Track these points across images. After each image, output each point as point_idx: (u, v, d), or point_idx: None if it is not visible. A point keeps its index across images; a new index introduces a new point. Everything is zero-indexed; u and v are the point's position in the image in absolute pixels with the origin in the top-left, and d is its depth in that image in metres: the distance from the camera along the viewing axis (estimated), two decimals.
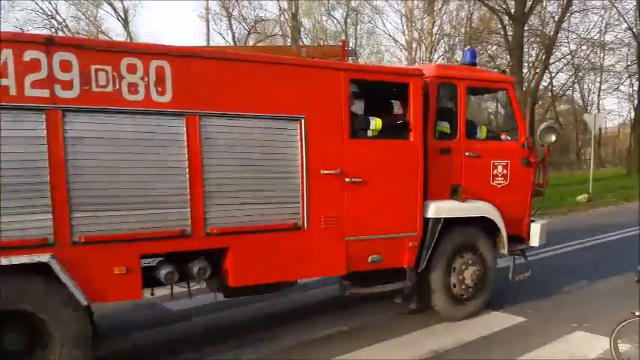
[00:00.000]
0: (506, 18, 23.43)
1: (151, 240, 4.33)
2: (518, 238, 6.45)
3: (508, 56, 25.61)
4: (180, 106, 4.37)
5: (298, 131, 4.87)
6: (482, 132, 6.22)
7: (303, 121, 4.87)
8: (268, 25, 32.55)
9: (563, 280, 7.57)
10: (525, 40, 25.39)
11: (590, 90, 35.86)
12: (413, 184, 5.48)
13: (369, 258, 5.33)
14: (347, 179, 5.10)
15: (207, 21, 28.55)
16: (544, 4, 26.65)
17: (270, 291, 5.35)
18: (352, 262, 5.22)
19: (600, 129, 30.17)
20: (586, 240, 10.24)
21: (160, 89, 4.29)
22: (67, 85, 3.99)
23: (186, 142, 4.40)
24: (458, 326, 5.83)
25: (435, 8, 28.22)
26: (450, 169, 5.82)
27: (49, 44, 3.95)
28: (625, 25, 28.04)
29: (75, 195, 4.04)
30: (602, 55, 30.17)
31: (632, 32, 27.73)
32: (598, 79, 32.80)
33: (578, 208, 15.95)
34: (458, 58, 32.02)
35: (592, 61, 30.20)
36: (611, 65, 31.19)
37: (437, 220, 5.64)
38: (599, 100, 35.03)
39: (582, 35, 28.46)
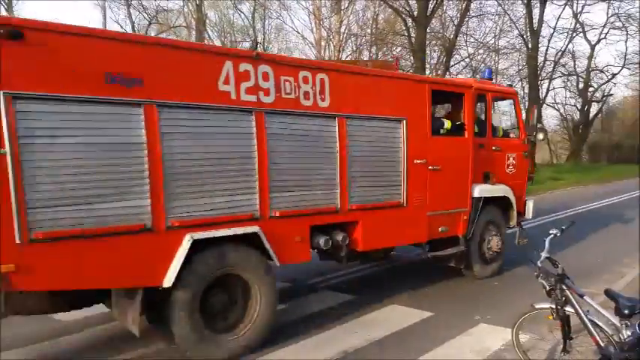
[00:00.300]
0: (409, 20, 24.81)
1: (317, 214, 5.49)
2: (518, 213, 8.42)
3: (412, 57, 26.97)
4: (334, 110, 5.56)
5: (402, 130, 6.26)
6: (499, 131, 8.06)
7: (405, 121, 6.27)
8: (171, 15, 30.93)
9: (466, 273, 7.79)
10: (428, 42, 26.99)
11: None
12: (466, 170, 7.14)
13: (440, 228, 6.90)
14: (430, 167, 6.60)
15: (104, 9, 26.89)
16: (444, 8, 28.33)
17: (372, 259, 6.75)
18: (431, 232, 6.76)
19: None
20: None
21: (322, 97, 5.45)
22: (267, 92, 5.02)
23: (337, 138, 5.60)
24: (368, 324, 5.87)
25: (342, 7, 28.95)
26: (483, 159, 7.55)
27: (256, 58, 4.94)
28: (516, 32, 30.68)
29: (272, 179, 5.08)
30: (496, 59, 32.89)
31: (523, 38, 30.36)
32: (494, 82, 36.49)
33: None
34: (365, 58, 33.86)
35: (488, 64, 32.13)
36: (504, 69, 33.40)
37: (479, 198, 7.37)
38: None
39: (479, 39, 30.76)
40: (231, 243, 4.90)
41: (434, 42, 29.69)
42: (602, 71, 35.48)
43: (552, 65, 33.27)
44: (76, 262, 3.99)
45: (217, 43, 30.82)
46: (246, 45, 32.29)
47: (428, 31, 25.46)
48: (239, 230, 4.86)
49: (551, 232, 4.17)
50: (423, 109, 6.51)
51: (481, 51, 30.99)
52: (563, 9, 32.33)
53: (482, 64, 32.08)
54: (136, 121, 4.22)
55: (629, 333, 3.44)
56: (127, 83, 4.15)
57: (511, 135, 8.42)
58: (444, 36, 29.06)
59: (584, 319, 3.72)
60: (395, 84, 6.27)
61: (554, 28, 33.05)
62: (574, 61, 34.78)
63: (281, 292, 6.44)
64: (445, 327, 5.75)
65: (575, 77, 35.39)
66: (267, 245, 5.04)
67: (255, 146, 4.94)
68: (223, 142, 4.74)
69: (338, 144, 5.62)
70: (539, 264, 3.90)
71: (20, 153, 3.69)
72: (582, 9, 33.48)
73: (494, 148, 7.72)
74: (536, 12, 29.59)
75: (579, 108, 37.54)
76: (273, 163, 5.07)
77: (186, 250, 4.49)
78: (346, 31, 30.56)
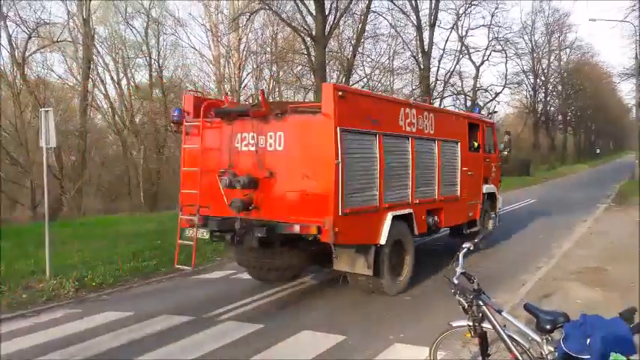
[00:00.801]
0: (309, 39, 24.03)
1: (429, 203, 8.64)
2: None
3: (312, 76, 26.37)
4: (435, 136, 8.76)
5: (458, 148, 9.65)
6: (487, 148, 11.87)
7: (459, 143, 9.68)
8: (55, 29, 27.11)
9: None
10: (327, 61, 26.24)
11: None
12: (480, 175, 10.79)
13: (470, 214, 10.42)
14: (469, 173, 10.08)
15: None
16: (341, 28, 28.10)
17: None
18: (467, 217, 10.25)
19: None
20: None
21: (431, 127, 8.63)
22: (412, 125, 8.07)
23: (437, 154, 8.81)
24: (278, 356, 5.55)
25: (240, 25, 27.95)
26: (484, 167, 11.26)
27: (412, 105, 8.00)
28: (409, 53, 31.98)
29: (416, 179, 8.11)
30: (392, 79, 33.80)
31: (415, 59, 31.60)
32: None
33: None
34: (266, 76, 32.11)
35: (384, 83, 33.18)
36: (399, 88, 34.53)
37: (484, 193, 11.05)
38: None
39: (375, 60, 31.29)
40: (398, 220, 7.84)
41: (333, 61, 29.38)
42: (487, 90, 39.43)
43: (443, 85, 35.14)
44: (355, 228, 6.72)
45: (108, 59, 29.15)
46: (139, 61, 30.58)
47: (327, 50, 25.27)
48: (405, 211, 7.83)
49: (464, 245, 3.98)
50: (466, 134, 10.01)
51: (377, 71, 31.83)
52: (450, 32, 34.52)
53: (379, 84, 35.41)
54: (375, 144, 7.06)
55: (551, 348, 3.34)
56: (374, 122, 6.98)
57: (491, 151, 12.31)
58: (343, 56, 29.25)
59: (503, 335, 3.60)
60: (454, 118, 9.72)
61: (444, 50, 34.40)
62: (462, 81, 38.06)
63: (180, 328, 6.37)
64: (360, 350, 5.62)
65: (463, 96, 38.13)
66: (414, 221, 8.07)
67: (410, 159, 7.97)
68: (399, 156, 7.72)
69: (437, 157, 8.83)
70: (455, 280, 3.72)
71: (343, 163, 6.35)
72: (466, 33, 35.62)
73: (487, 160, 11.50)
74: (426, 35, 31.06)
75: None
76: (416, 169, 8.13)
77: (390, 223, 7.36)
78: (246, 48, 30.17)
